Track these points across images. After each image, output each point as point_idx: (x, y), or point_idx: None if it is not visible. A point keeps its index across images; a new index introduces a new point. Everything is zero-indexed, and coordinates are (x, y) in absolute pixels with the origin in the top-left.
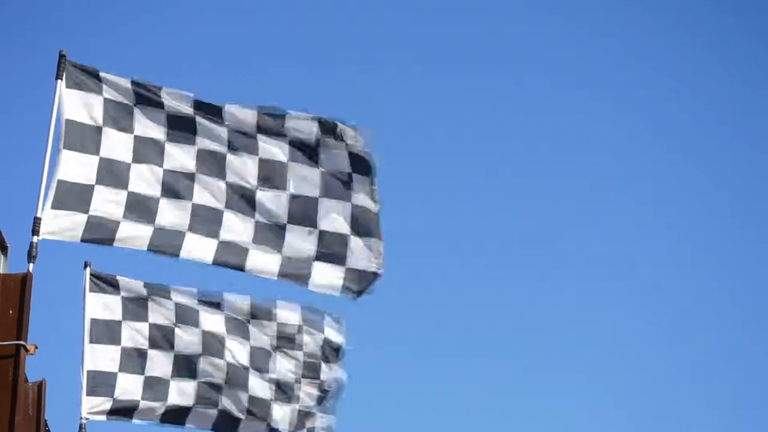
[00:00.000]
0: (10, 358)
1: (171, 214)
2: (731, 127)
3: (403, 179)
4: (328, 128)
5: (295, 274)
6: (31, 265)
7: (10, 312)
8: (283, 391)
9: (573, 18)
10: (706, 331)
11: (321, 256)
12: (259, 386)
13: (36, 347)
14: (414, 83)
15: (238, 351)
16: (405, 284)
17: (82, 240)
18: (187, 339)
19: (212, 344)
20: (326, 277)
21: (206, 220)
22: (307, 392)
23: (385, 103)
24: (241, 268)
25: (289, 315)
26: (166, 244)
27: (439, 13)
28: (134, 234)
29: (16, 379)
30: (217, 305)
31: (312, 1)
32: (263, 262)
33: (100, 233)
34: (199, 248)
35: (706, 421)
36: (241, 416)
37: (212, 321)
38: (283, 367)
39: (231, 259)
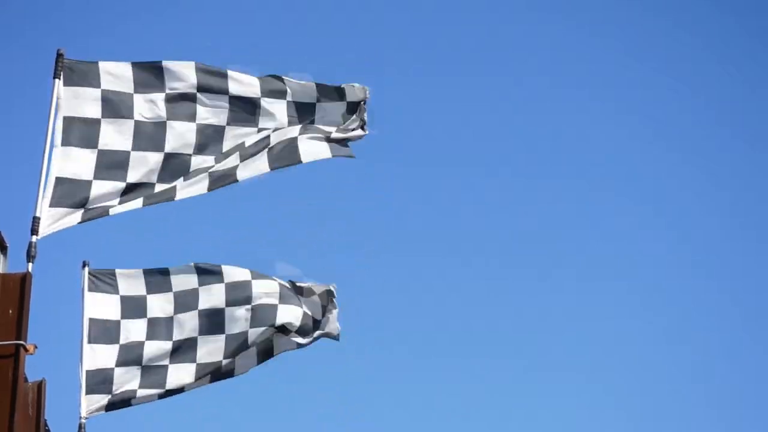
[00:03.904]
0: (10, 358)
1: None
2: (731, 127)
3: (403, 179)
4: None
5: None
6: (31, 264)
7: (10, 312)
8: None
9: (573, 18)
10: (706, 331)
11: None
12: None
13: (36, 347)
14: (414, 83)
15: (238, 319)
16: (405, 284)
17: (80, 222)
18: (186, 325)
19: (212, 321)
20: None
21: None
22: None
23: (385, 103)
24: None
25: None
26: (159, 195)
27: (439, 13)
28: (128, 204)
29: (15, 379)
30: (216, 276)
31: (312, 1)
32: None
33: (96, 213)
34: (192, 190)
35: (706, 421)
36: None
37: (211, 297)
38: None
39: (222, 182)
